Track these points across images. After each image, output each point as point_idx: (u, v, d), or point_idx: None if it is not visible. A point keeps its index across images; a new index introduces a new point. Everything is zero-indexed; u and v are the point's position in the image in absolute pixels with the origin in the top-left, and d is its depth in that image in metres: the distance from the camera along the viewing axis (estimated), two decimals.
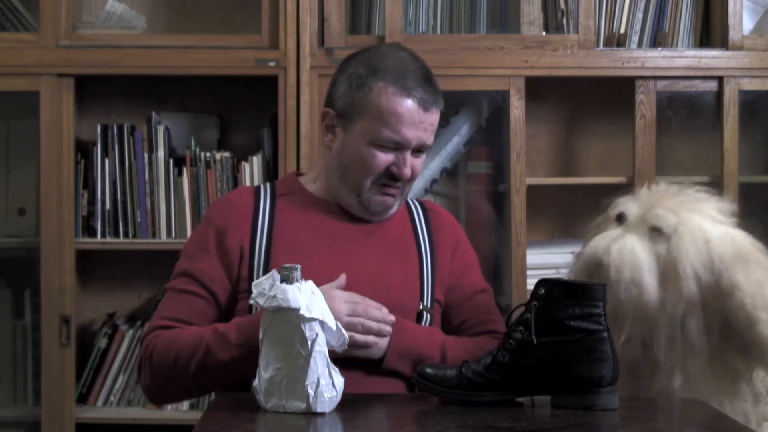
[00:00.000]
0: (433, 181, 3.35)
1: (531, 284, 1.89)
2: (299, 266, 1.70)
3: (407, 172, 2.05)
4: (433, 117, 2.05)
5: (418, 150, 2.07)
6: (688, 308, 2.02)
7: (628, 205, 2.13)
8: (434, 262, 2.14)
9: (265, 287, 1.69)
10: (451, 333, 2.12)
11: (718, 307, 2.03)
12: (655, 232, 2.05)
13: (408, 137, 2.02)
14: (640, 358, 2.06)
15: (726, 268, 2.01)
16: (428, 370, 1.81)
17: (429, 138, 2.06)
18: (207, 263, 2.05)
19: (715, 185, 3.13)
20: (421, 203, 2.25)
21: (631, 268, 2.01)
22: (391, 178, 2.06)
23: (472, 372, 1.78)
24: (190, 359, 1.93)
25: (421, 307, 2.09)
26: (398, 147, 2.03)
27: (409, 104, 2.01)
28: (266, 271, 1.98)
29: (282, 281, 1.69)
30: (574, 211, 3.37)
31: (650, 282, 2.02)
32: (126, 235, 3.27)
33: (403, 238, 2.15)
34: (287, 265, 1.70)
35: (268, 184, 2.18)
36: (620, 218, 2.13)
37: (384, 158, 2.04)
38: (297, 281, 1.69)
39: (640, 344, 2.06)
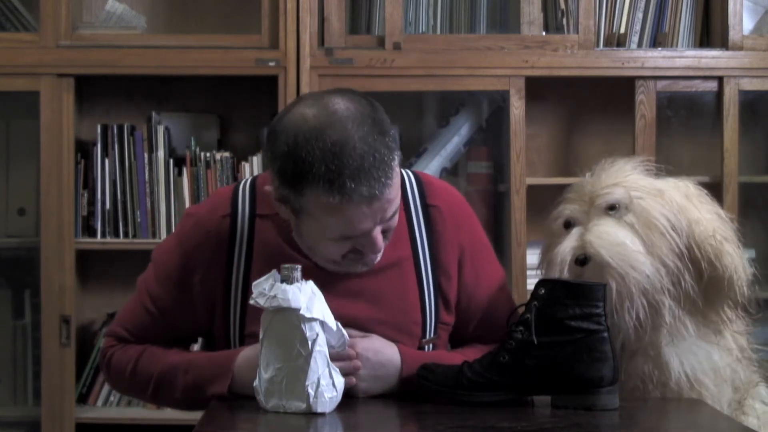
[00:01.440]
0: None
1: (531, 284, 1.88)
2: (299, 266, 1.70)
3: (378, 247, 1.79)
4: (390, 192, 1.73)
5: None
6: (680, 259, 1.97)
7: (567, 209, 2.07)
8: (437, 280, 1.94)
9: (266, 287, 1.69)
10: (466, 340, 2.00)
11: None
12: (613, 210, 2.00)
13: (363, 229, 1.75)
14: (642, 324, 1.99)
15: (681, 209, 2.00)
16: (428, 370, 1.81)
17: (390, 210, 1.76)
18: (164, 292, 1.94)
19: (715, 185, 3.14)
20: (423, 199, 1.97)
21: (617, 249, 1.95)
22: (362, 251, 1.81)
23: (472, 372, 1.78)
24: (146, 387, 1.92)
25: (422, 342, 1.93)
26: (357, 236, 1.77)
27: (352, 208, 1.71)
28: (243, 313, 1.89)
29: (282, 281, 1.69)
30: None
31: (639, 252, 1.96)
32: (126, 235, 3.27)
33: (398, 252, 1.91)
34: (287, 265, 1.70)
35: (247, 199, 1.93)
36: (568, 225, 2.06)
37: (345, 246, 1.79)
38: (297, 281, 1.69)
39: (644, 312, 1.97)
